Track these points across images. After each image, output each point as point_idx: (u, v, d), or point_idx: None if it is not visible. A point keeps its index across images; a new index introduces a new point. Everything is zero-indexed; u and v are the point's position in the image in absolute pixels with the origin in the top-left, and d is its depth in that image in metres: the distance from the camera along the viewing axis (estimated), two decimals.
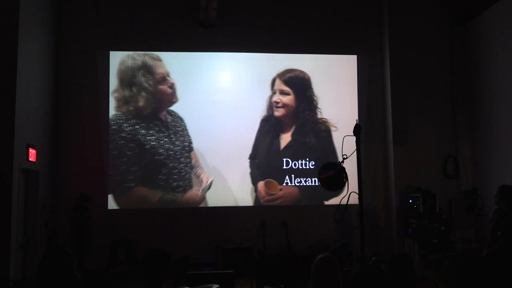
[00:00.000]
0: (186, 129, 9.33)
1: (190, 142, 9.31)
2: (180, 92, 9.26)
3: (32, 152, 7.54)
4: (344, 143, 5.10)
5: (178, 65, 9.28)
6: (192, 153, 9.32)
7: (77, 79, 8.92)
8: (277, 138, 9.58)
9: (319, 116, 9.63)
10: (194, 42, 9.19)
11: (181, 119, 9.35)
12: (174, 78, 9.27)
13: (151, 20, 9.14)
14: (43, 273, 3.21)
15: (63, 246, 4.05)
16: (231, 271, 5.83)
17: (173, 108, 9.29)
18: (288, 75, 9.75)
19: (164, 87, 9.35)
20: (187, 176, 9.24)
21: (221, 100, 9.39)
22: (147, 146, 9.09)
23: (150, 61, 9.30)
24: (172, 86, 9.36)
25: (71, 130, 8.78)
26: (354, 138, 5.08)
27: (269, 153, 9.50)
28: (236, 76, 9.52)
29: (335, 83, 9.58)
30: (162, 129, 9.27)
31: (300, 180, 9.28)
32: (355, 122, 5.20)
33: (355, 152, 5.04)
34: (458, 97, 9.40)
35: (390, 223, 9.27)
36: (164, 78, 9.36)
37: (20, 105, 7.05)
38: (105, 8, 9.08)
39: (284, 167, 9.32)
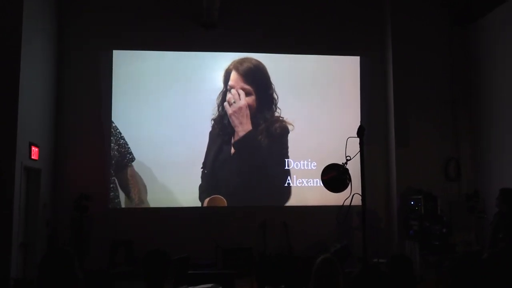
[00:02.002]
0: (114, 135, 8.60)
1: (125, 153, 8.58)
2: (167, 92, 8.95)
3: (35, 150, 7.57)
4: (344, 144, 5.10)
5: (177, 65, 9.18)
6: (127, 171, 8.55)
7: (79, 78, 8.94)
8: (228, 143, 8.83)
9: (277, 113, 9.06)
10: (196, 42, 9.19)
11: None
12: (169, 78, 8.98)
13: (154, 20, 9.15)
14: (45, 272, 3.21)
15: (64, 245, 4.06)
16: (232, 272, 5.83)
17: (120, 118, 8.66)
18: (246, 65, 8.94)
19: None
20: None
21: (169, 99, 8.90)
22: None
23: None
24: None
25: (74, 128, 8.80)
26: (353, 139, 5.08)
27: (217, 161, 8.72)
28: (187, 74, 9.16)
29: (337, 84, 9.56)
30: None
31: (302, 180, 9.24)
32: (358, 124, 5.21)
33: (357, 153, 5.04)
34: (460, 99, 9.40)
35: (391, 225, 9.26)
36: None
37: (23, 103, 7.08)
38: (108, 7, 9.10)
39: (286, 167, 9.20)
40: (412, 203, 8.73)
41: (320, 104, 9.41)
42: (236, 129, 8.96)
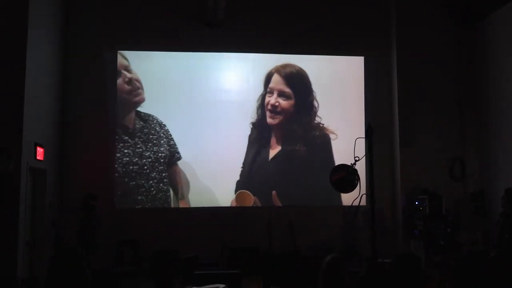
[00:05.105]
0: (166, 137, 8.68)
1: (174, 152, 8.68)
2: (174, 93, 8.89)
3: (40, 151, 7.58)
4: (348, 144, 5.11)
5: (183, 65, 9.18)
6: (175, 168, 8.67)
7: (84, 78, 8.95)
8: (266, 146, 8.78)
9: (316, 121, 8.92)
10: (202, 42, 9.19)
11: (161, 125, 8.68)
12: (178, 78, 8.91)
13: (159, 20, 9.14)
14: (54, 271, 3.22)
15: (71, 244, 4.08)
16: (238, 271, 5.85)
17: (153, 111, 8.67)
18: (289, 69, 8.84)
19: (117, 83, 8.55)
20: (159, 195, 8.63)
21: (211, 100, 8.90)
22: None
23: None
24: (131, 82, 8.43)
25: (79, 129, 8.82)
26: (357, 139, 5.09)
27: (254, 164, 8.72)
28: (240, 77, 9.23)
29: (342, 84, 9.54)
30: (125, 138, 8.48)
31: None
32: (363, 124, 5.22)
33: (365, 155, 5.04)
34: (465, 99, 9.37)
35: (396, 225, 9.25)
36: (118, 73, 8.57)
37: (28, 104, 7.08)
38: (113, 8, 9.11)
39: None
40: (417, 203, 8.72)
41: (324, 103, 9.39)
42: (275, 134, 8.92)
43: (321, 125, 8.95)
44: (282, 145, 8.93)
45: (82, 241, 7.44)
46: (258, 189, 8.95)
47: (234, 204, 8.91)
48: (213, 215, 8.84)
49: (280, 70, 8.87)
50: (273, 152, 8.92)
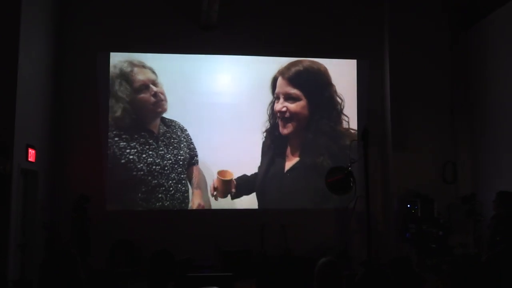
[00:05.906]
0: (187, 141, 8.83)
1: (193, 155, 8.83)
2: (179, 98, 8.93)
3: (32, 152, 7.51)
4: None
5: (180, 67, 9.17)
6: (193, 167, 8.82)
7: (77, 80, 8.91)
8: (281, 156, 8.45)
9: (344, 126, 8.36)
10: (195, 44, 9.18)
11: (182, 130, 8.85)
12: (175, 81, 8.95)
13: (152, 22, 9.13)
14: (47, 273, 3.19)
15: (67, 246, 4.04)
16: (231, 274, 5.84)
17: (175, 117, 8.83)
18: (294, 69, 8.47)
19: (145, 96, 8.78)
20: (177, 195, 8.76)
21: (226, 104, 8.94)
22: (123, 161, 8.62)
23: (127, 68, 8.79)
24: (156, 95, 8.74)
25: (71, 130, 8.78)
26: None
27: (268, 174, 8.50)
28: (241, 79, 9.22)
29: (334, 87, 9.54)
30: (150, 141, 8.68)
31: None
32: (355, 127, 5.22)
33: (359, 158, 5.06)
34: (458, 102, 9.42)
35: (388, 228, 9.27)
36: (146, 86, 8.79)
37: (20, 105, 7.02)
38: (107, 9, 9.08)
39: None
40: (409, 206, 8.75)
41: (344, 107, 9.25)
42: (292, 143, 8.62)
43: (352, 130, 8.34)
44: (300, 156, 8.55)
45: (76, 243, 7.40)
46: (274, 200, 8.81)
47: (216, 183, 8.79)
48: (207, 217, 8.84)
49: (284, 72, 8.58)
50: (289, 164, 8.55)
